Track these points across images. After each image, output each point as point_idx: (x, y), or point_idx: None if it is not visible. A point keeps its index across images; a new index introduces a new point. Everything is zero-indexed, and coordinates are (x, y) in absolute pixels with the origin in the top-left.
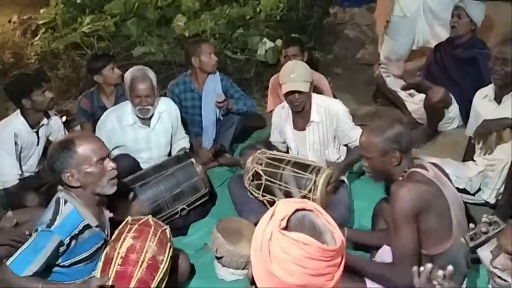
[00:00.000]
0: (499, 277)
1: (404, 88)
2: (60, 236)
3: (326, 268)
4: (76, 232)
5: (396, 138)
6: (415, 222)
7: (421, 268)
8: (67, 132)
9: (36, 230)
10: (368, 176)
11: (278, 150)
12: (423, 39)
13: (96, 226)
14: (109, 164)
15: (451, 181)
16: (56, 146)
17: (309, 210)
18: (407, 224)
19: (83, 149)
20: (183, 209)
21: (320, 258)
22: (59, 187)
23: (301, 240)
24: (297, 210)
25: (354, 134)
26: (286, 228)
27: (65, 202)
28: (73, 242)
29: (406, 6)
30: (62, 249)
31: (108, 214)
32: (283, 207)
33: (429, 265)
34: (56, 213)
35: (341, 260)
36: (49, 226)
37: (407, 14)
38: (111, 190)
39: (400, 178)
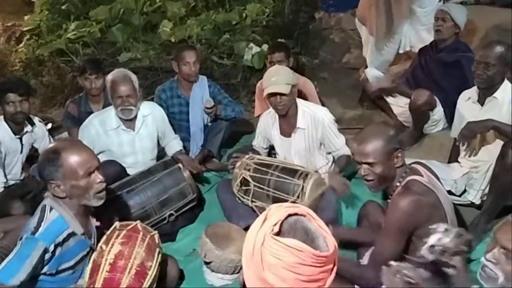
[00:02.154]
0: (491, 269)
1: (375, 95)
2: (44, 243)
3: (319, 274)
4: (61, 240)
5: (396, 138)
6: (405, 236)
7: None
8: (52, 139)
9: (21, 238)
10: (368, 186)
11: (258, 154)
12: (409, 43)
13: (82, 234)
14: (97, 177)
15: (439, 180)
16: (44, 155)
17: (302, 215)
18: (397, 237)
19: (69, 162)
20: (171, 214)
21: (313, 264)
22: (46, 193)
23: (294, 246)
24: (289, 215)
25: (338, 142)
26: (278, 233)
27: (51, 209)
28: (58, 249)
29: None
30: (47, 256)
31: (95, 222)
32: (276, 212)
33: (395, 264)
34: (41, 220)
35: (334, 265)
36: (33, 233)
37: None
38: (98, 203)
39: (398, 184)
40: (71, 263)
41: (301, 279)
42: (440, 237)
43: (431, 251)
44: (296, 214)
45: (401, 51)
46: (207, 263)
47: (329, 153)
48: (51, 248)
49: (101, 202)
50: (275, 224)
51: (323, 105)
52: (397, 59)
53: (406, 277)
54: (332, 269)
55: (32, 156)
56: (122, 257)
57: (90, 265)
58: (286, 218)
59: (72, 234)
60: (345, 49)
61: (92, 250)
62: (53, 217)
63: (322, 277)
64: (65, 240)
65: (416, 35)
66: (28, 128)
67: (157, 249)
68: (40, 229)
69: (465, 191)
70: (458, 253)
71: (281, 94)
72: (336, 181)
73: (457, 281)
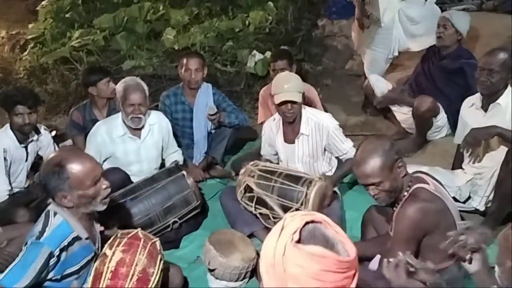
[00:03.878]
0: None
1: (380, 104)
2: (49, 248)
3: (343, 280)
4: (66, 244)
5: (393, 149)
6: (416, 243)
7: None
8: (56, 147)
9: (26, 243)
10: (379, 202)
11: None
12: (400, 47)
13: (86, 238)
14: (103, 184)
15: (444, 188)
16: (47, 168)
17: (318, 222)
18: (407, 245)
19: (75, 173)
20: (175, 222)
21: (337, 270)
22: (50, 199)
23: (317, 254)
24: (306, 222)
25: (345, 146)
26: (298, 242)
27: (55, 214)
28: (63, 254)
29: (380, 17)
30: (52, 261)
31: (99, 227)
32: (293, 221)
33: (401, 258)
34: (45, 225)
35: (356, 271)
36: (38, 238)
37: (381, 24)
38: (102, 207)
39: (405, 194)
40: (76, 267)
41: (325, 286)
42: (462, 232)
43: (451, 244)
44: (312, 221)
45: (390, 56)
46: (211, 270)
47: (336, 157)
48: (57, 252)
49: (105, 207)
50: (294, 233)
51: (326, 111)
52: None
53: (408, 264)
54: (354, 275)
55: (36, 164)
56: (124, 264)
57: (92, 273)
58: (303, 226)
59: (77, 238)
60: (348, 56)
61: (96, 255)
62: (57, 222)
63: (345, 284)
64: (70, 244)
65: (408, 37)
66: (34, 137)
67: (159, 256)
68: (45, 234)
69: (469, 197)
70: (477, 250)
71: (293, 102)
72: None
73: (478, 279)
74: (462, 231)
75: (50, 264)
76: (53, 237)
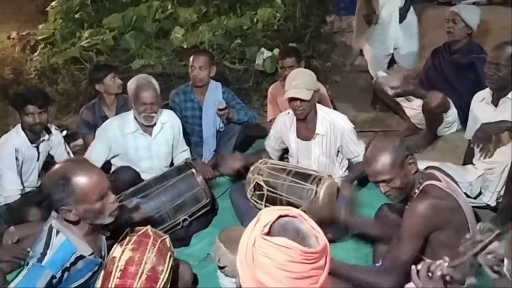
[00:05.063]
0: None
1: (397, 95)
2: (51, 271)
3: (310, 271)
4: (68, 265)
5: (402, 146)
6: (422, 240)
7: (419, 266)
8: (67, 147)
9: (28, 263)
10: (390, 199)
11: (269, 156)
12: (396, 43)
13: (91, 254)
14: (110, 198)
15: (457, 184)
16: (52, 180)
17: (293, 217)
18: (413, 241)
19: (81, 187)
20: (185, 219)
21: (303, 261)
22: (53, 213)
23: (282, 244)
24: (280, 216)
25: (357, 149)
26: (268, 234)
27: (57, 232)
28: (66, 273)
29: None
30: (55, 281)
31: (104, 233)
32: (267, 215)
33: (428, 261)
34: (47, 246)
35: (325, 262)
36: (40, 260)
37: (379, 21)
38: (109, 220)
39: (416, 190)
40: (81, 281)
41: (292, 276)
42: (481, 236)
43: (472, 246)
44: (287, 215)
45: (387, 53)
46: (221, 268)
47: (348, 159)
48: (59, 274)
49: (112, 219)
50: (265, 225)
51: (335, 108)
52: None
53: (445, 273)
54: (324, 266)
55: (48, 163)
56: (133, 263)
57: (102, 272)
58: (277, 219)
59: (80, 257)
60: (357, 52)
61: (102, 264)
62: (59, 242)
63: (314, 274)
64: (73, 264)
65: (403, 37)
66: (45, 136)
67: (169, 253)
68: (47, 257)
69: (480, 193)
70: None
71: (301, 100)
72: (347, 191)
73: (498, 283)
74: (493, 238)
75: (54, 283)
76: (55, 261)
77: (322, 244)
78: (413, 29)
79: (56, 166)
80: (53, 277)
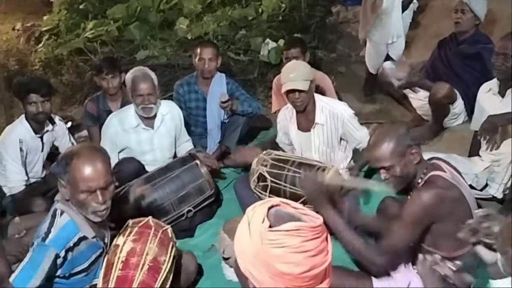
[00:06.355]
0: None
1: (402, 87)
2: (55, 250)
3: (322, 244)
4: (71, 245)
5: (407, 135)
6: (421, 228)
7: (428, 257)
8: (72, 138)
9: (33, 244)
10: (390, 187)
11: (284, 151)
12: (398, 33)
13: (94, 237)
14: (97, 197)
15: (461, 175)
16: (66, 152)
17: (277, 205)
18: (413, 228)
19: (75, 172)
20: (189, 211)
21: (314, 237)
22: (57, 196)
23: (292, 228)
24: (268, 208)
25: (361, 134)
26: (270, 227)
27: (61, 213)
28: (69, 254)
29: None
30: (59, 261)
31: (108, 223)
32: (256, 211)
33: (437, 256)
34: (51, 225)
35: (326, 233)
36: (43, 239)
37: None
38: (95, 219)
39: (420, 181)
40: (84, 265)
41: (310, 255)
42: (483, 220)
43: (470, 233)
44: (272, 206)
45: (389, 42)
46: (225, 259)
47: (354, 148)
48: (62, 253)
49: (98, 220)
50: (263, 221)
51: (340, 99)
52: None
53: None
54: (327, 237)
55: (53, 154)
56: (135, 254)
57: (104, 264)
58: (267, 212)
59: (83, 238)
60: (363, 43)
61: (104, 251)
62: (63, 221)
63: (324, 246)
64: (76, 244)
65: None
66: (49, 127)
67: (171, 243)
68: (50, 236)
69: (486, 185)
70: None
71: (299, 91)
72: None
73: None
74: (482, 219)
75: (58, 263)
76: (58, 239)
77: (318, 216)
78: (406, 21)
79: (79, 144)
80: (57, 256)
